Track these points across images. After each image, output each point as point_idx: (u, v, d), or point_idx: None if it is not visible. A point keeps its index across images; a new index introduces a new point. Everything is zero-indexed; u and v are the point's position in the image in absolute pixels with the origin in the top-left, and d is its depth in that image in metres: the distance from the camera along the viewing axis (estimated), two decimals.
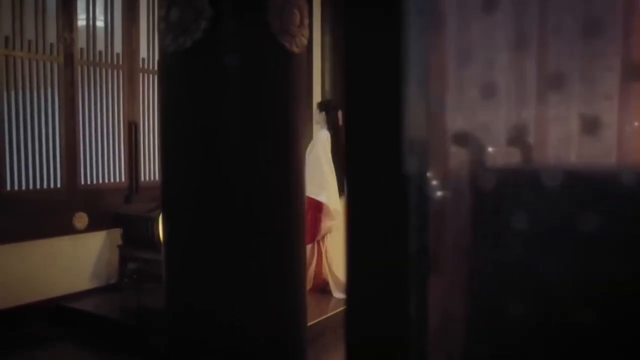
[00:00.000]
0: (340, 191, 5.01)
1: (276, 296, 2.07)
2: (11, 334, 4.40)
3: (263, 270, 2.04)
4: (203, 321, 1.98)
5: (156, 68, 5.72)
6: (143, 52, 5.55)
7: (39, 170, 4.85)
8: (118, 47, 5.42)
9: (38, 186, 4.85)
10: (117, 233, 5.35)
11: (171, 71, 2.07)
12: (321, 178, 5.09)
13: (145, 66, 5.59)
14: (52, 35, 4.92)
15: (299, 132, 2.13)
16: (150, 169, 5.70)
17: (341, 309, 4.54)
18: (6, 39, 4.59)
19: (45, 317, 4.72)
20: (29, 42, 4.75)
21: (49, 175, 4.92)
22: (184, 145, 2.07)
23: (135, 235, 5.27)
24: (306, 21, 2.11)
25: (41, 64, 4.84)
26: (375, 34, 0.85)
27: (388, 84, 0.84)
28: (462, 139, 0.84)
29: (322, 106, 5.46)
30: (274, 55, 2.01)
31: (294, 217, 2.11)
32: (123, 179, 5.50)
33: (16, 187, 4.71)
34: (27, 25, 4.75)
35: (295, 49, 2.06)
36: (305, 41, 2.11)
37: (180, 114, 2.07)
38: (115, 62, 5.39)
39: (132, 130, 5.51)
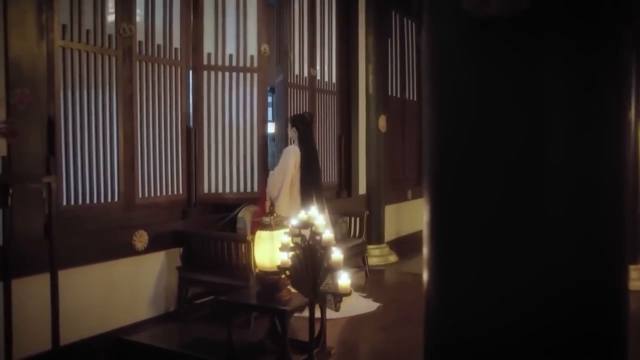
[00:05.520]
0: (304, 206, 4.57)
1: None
2: None
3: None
4: None
5: (223, 63, 5.05)
6: (208, 47, 4.91)
7: (96, 181, 4.16)
8: (176, 42, 4.78)
9: (95, 201, 4.15)
10: (175, 253, 4.69)
11: (478, 44, 1.48)
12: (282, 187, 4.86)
13: (211, 62, 4.94)
14: (110, 26, 4.26)
15: (627, 125, 1.58)
16: (213, 179, 5.04)
17: None
18: (64, 27, 3.92)
19: (109, 353, 4.03)
20: (87, 31, 4.08)
21: (107, 187, 4.23)
22: (483, 147, 1.50)
23: (198, 256, 4.61)
24: None
25: (99, 57, 4.17)
26: None
27: None
28: None
29: (293, 121, 5.12)
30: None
31: (622, 233, 1.56)
32: (181, 191, 4.83)
33: (73, 202, 4.01)
34: (86, 13, 4.08)
35: None
36: None
37: (484, 103, 1.49)
38: (174, 58, 4.74)
39: (192, 136, 4.86)
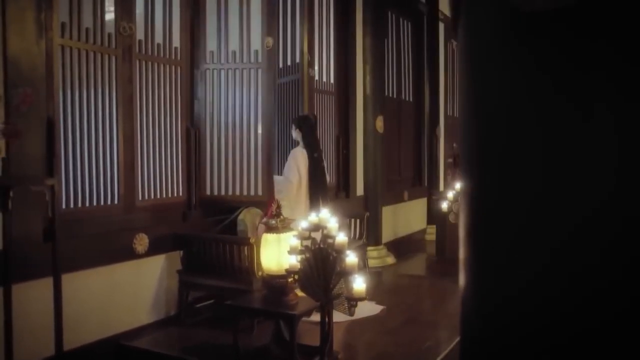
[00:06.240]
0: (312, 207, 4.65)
1: None
2: None
3: None
4: None
5: (226, 61, 4.94)
6: (211, 45, 4.81)
7: (95, 183, 4.06)
8: (177, 41, 4.69)
9: (95, 203, 4.06)
10: (175, 256, 4.59)
11: (521, 41, 1.41)
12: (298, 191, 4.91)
13: (214, 60, 4.85)
14: (110, 25, 4.17)
15: None
16: (215, 181, 4.93)
17: None
18: (63, 26, 3.82)
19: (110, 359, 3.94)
20: (87, 30, 3.99)
21: (107, 189, 4.13)
22: (526, 147, 1.41)
23: (199, 259, 4.52)
24: None
25: (99, 56, 4.07)
26: None
27: None
28: None
29: (298, 123, 5.09)
30: None
31: None
32: (181, 193, 4.75)
33: (72, 205, 3.91)
34: (85, 11, 3.99)
35: None
36: None
37: (527, 102, 1.42)
38: (174, 57, 4.65)
39: (193, 137, 4.77)
